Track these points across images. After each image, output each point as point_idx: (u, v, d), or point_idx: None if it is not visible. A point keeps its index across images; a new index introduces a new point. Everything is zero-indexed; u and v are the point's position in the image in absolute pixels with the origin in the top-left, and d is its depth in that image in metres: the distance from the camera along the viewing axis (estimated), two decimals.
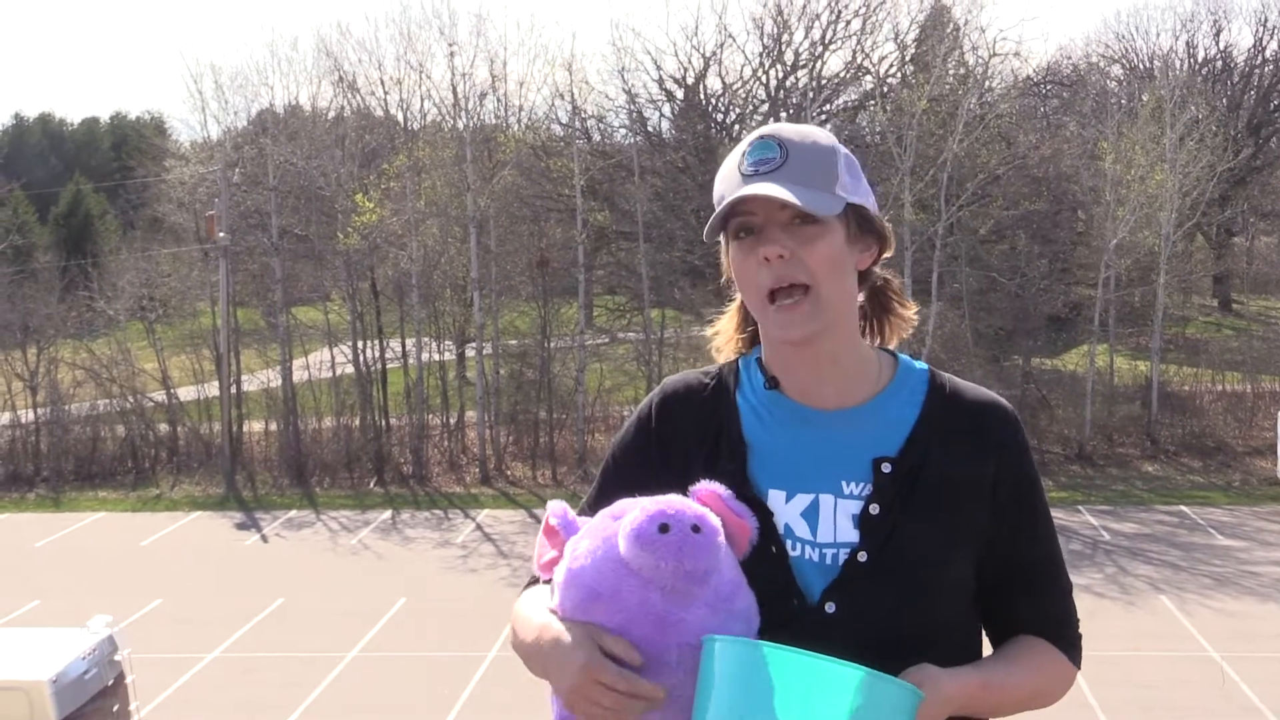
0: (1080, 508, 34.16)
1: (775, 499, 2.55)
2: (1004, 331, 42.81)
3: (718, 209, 2.54)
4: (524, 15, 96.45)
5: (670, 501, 2.32)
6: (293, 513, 36.28)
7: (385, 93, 48.03)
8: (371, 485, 38.70)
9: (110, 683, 18.61)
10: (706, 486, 2.44)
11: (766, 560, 2.49)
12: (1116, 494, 35.78)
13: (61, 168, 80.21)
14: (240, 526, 35.22)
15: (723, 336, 2.83)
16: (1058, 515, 32.05)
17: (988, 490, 2.58)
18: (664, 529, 2.27)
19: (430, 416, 41.55)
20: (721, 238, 2.61)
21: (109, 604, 24.59)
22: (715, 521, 2.33)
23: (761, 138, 2.54)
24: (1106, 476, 37.44)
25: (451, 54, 42.70)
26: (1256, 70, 59.72)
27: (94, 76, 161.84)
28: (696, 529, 2.28)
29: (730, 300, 2.82)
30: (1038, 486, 2.67)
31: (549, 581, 2.51)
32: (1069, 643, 2.68)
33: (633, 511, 2.33)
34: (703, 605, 2.31)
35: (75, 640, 18.30)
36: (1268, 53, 59.52)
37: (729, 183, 2.55)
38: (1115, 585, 27.98)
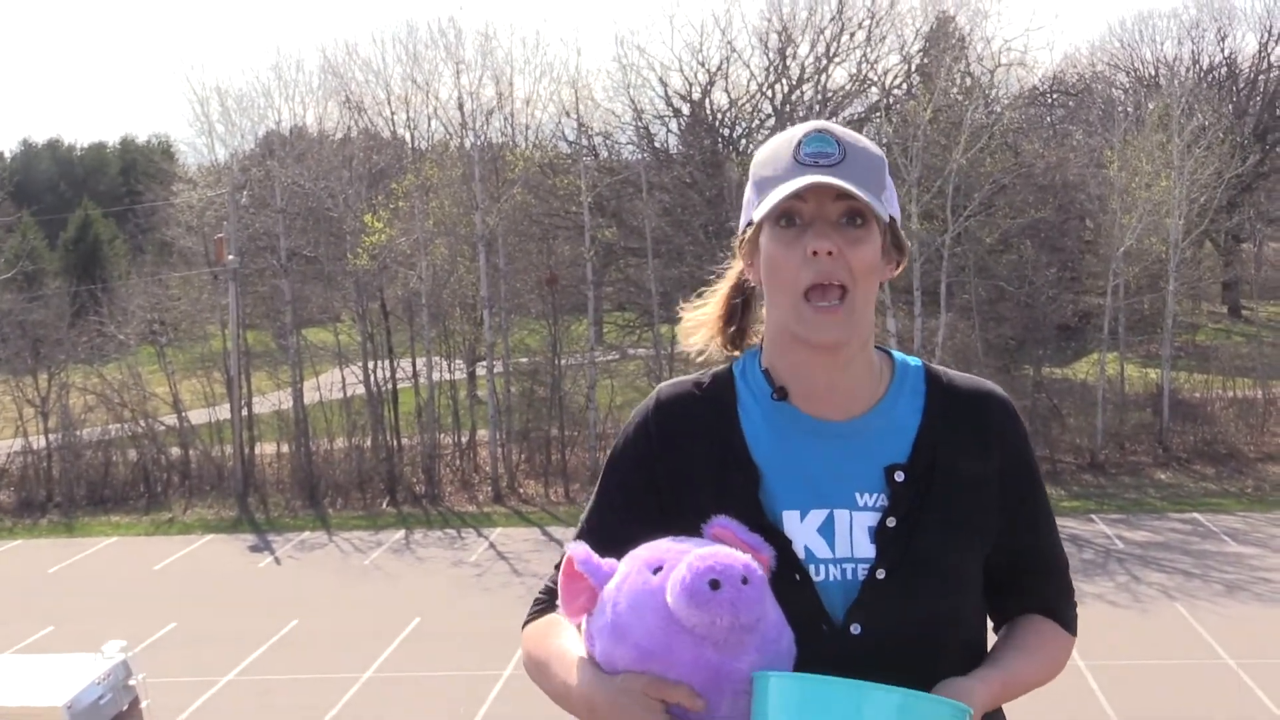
0: (1093, 516, 34.12)
1: (790, 520, 2.54)
2: (1014, 341, 42.77)
3: (768, 191, 2.50)
4: (530, 33, 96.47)
5: (715, 555, 2.29)
6: (305, 534, 36.30)
7: (392, 112, 48.15)
8: (384, 505, 38.71)
9: (125, 708, 18.62)
10: (720, 522, 2.43)
11: (792, 588, 2.48)
12: (1129, 502, 35.72)
13: (70, 193, 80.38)
14: (253, 549, 35.24)
15: (697, 323, 2.80)
16: (1070, 524, 32.22)
17: (994, 483, 2.62)
18: (715, 585, 2.25)
19: (442, 436, 41.59)
20: (750, 222, 2.57)
21: (123, 629, 24.63)
22: (760, 569, 2.32)
23: (819, 131, 2.51)
24: (1119, 485, 37.38)
25: (458, 73, 42.84)
26: (1262, 76, 59.71)
27: (101, 101, 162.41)
28: (745, 580, 2.27)
29: (708, 286, 2.80)
30: (1037, 472, 2.72)
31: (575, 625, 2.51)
32: (1068, 615, 2.77)
33: (678, 568, 2.30)
34: (754, 651, 2.31)
35: (90, 666, 18.30)
36: (1273, 58, 59.54)
37: (781, 168, 2.51)
38: (1127, 593, 27.92)
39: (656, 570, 2.34)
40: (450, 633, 26.76)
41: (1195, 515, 34.26)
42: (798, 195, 2.46)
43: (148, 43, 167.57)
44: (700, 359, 2.81)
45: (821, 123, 2.55)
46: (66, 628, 27.73)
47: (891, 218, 2.54)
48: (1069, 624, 2.75)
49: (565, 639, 2.54)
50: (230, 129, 44.45)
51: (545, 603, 2.70)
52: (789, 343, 2.58)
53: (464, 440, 41.80)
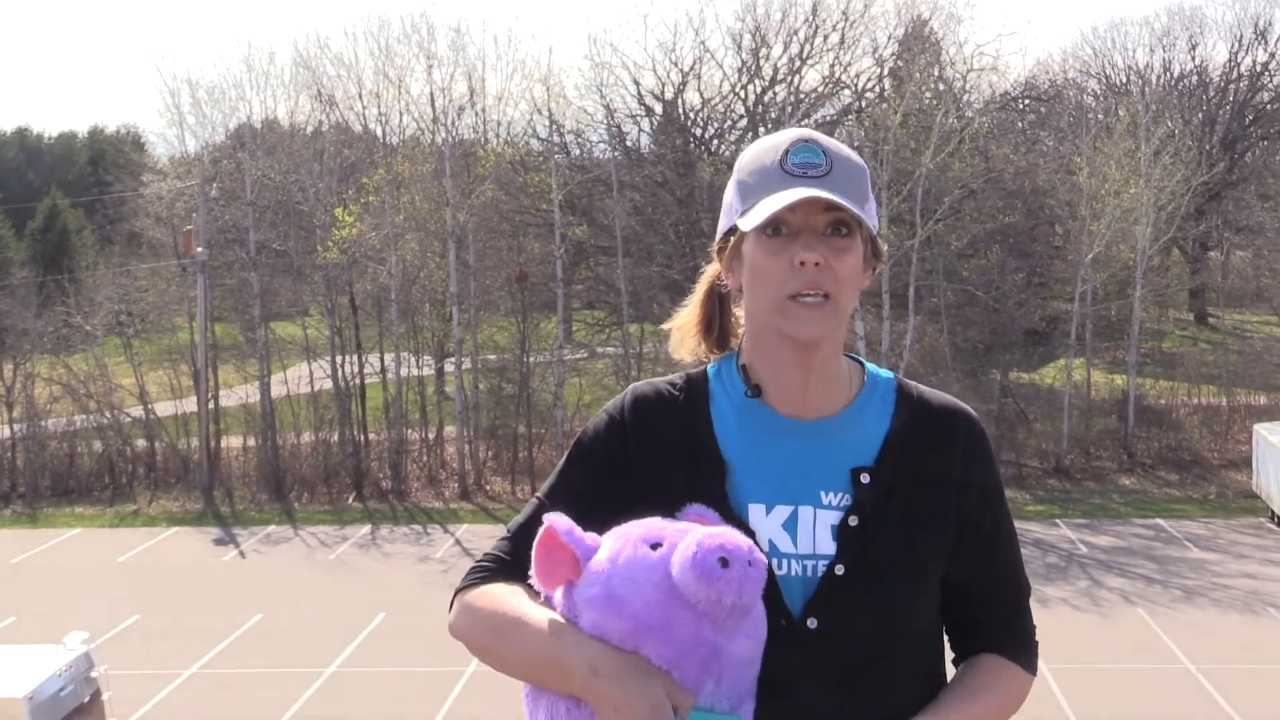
0: (1058, 521, 34.27)
1: (755, 513, 2.55)
2: (981, 345, 42.91)
3: (754, 199, 2.51)
4: (502, 30, 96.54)
5: (724, 534, 2.30)
6: (271, 528, 36.20)
7: (364, 107, 48.06)
8: (350, 501, 38.63)
9: (86, 699, 18.56)
10: (695, 509, 2.46)
11: None
12: (1094, 507, 35.90)
13: (38, 182, 79.95)
14: (218, 542, 35.12)
15: (682, 334, 2.80)
16: (1035, 528, 32.33)
17: (956, 498, 2.61)
18: (724, 563, 2.26)
19: (409, 431, 41.53)
20: (732, 230, 2.58)
21: (86, 620, 24.55)
22: (762, 555, 2.33)
23: (805, 141, 2.53)
24: (1084, 490, 37.56)
25: (430, 68, 42.81)
26: (1231, 85, 60.05)
27: (71, 90, 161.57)
28: (751, 563, 2.29)
29: (677, 286, 2.81)
30: (1002, 494, 2.71)
31: (544, 596, 2.47)
32: (1026, 652, 2.73)
33: (684, 543, 2.30)
34: (745, 636, 2.34)
35: (51, 657, 18.24)
36: (1242, 68, 59.90)
37: (768, 176, 2.52)
38: (1089, 598, 28.07)
39: (655, 546, 2.35)
40: (415, 629, 26.70)
41: (1159, 521, 34.45)
42: (784, 207, 2.47)
43: (118, 32, 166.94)
44: (680, 361, 2.82)
45: (806, 131, 2.56)
46: (28, 619, 27.58)
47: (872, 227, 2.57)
48: (1028, 662, 2.72)
49: (537, 605, 2.48)
50: (201, 120, 44.35)
51: (490, 570, 2.66)
52: (769, 340, 2.59)
53: (431, 436, 41.75)
